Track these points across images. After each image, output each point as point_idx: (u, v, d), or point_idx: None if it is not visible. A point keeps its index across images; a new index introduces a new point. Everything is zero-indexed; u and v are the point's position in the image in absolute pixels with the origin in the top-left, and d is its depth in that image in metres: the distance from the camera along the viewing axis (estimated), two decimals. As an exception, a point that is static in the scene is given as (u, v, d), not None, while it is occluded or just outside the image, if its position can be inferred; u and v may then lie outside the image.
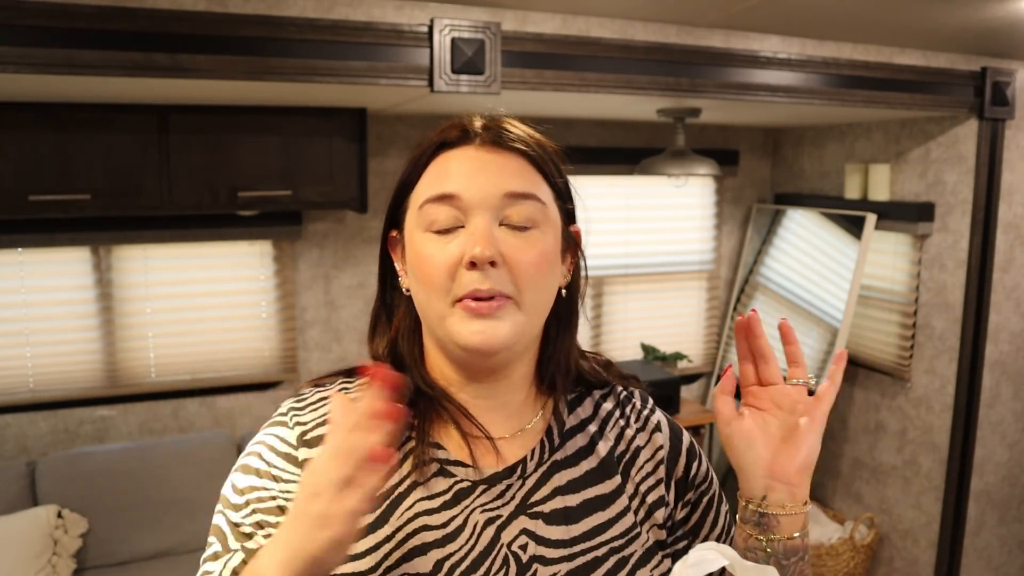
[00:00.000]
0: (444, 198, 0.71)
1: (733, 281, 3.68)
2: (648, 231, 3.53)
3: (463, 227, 0.71)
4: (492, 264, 0.69)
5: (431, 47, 1.88)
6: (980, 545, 2.92)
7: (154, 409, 2.89)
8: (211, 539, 0.74)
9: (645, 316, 3.58)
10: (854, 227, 3.02)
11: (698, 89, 2.19)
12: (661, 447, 0.83)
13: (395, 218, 0.79)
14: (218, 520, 0.74)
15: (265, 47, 1.76)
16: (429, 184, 0.73)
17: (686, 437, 0.87)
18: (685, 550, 0.82)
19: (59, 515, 2.48)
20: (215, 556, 0.72)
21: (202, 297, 2.90)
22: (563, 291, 0.78)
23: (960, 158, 2.73)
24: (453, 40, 1.88)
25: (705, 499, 0.85)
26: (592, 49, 2.06)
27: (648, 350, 3.46)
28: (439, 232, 0.71)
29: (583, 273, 0.81)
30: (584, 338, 3.09)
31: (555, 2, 1.96)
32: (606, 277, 3.47)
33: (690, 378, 3.69)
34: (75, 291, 2.75)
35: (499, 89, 1.94)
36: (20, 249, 2.64)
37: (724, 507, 0.87)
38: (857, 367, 3.22)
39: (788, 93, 2.30)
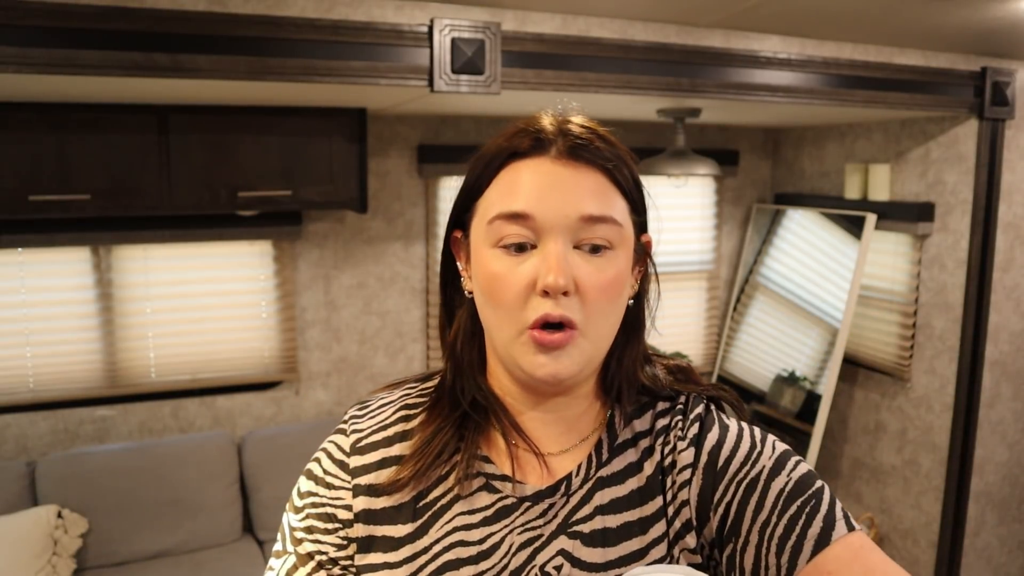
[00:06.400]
0: (516, 217, 0.67)
1: (733, 281, 3.68)
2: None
3: (535, 246, 0.68)
4: (565, 293, 0.67)
5: (431, 47, 1.88)
6: (980, 545, 2.92)
7: (154, 409, 2.89)
8: (278, 535, 0.78)
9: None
10: (854, 227, 3.02)
11: (698, 89, 2.19)
12: (690, 465, 0.72)
13: (460, 219, 0.75)
14: (283, 520, 0.78)
15: (265, 47, 1.76)
16: (500, 197, 0.69)
17: (714, 432, 0.73)
18: (725, 557, 0.69)
19: (59, 515, 2.48)
20: (277, 554, 0.77)
21: (202, 297, 2.89)
22: (630, 301, 0.75)
23: (960, 158, 2.73)
24: (453, 40, 1.88)
25: (745, 483, 0.69)
26: (592, 49, 2.06)
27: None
28: (508, 248, 0.68)
29: (652, 283, 0.78)
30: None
31: (555, 2, 1.96)
32: (606, 277, 3.47)
33: (690, 378, 3.69)
34: (75, 291, 2.75)
35: (499, 89, 1.94)
36: (20, 249, 2.64)
37: (777, 482, 0.68)
38: (857, 367, 3.22)
39: (788, 93, 2.30)
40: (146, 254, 2.80)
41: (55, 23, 1.60)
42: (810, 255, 3.24)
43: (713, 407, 0.77)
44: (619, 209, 0.70)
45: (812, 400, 3.04)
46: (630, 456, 0.74)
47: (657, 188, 3.49)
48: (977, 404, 2.78)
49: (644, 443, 0.75)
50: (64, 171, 2.30)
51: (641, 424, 0.76)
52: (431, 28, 1.87)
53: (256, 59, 1.76)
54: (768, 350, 3.35)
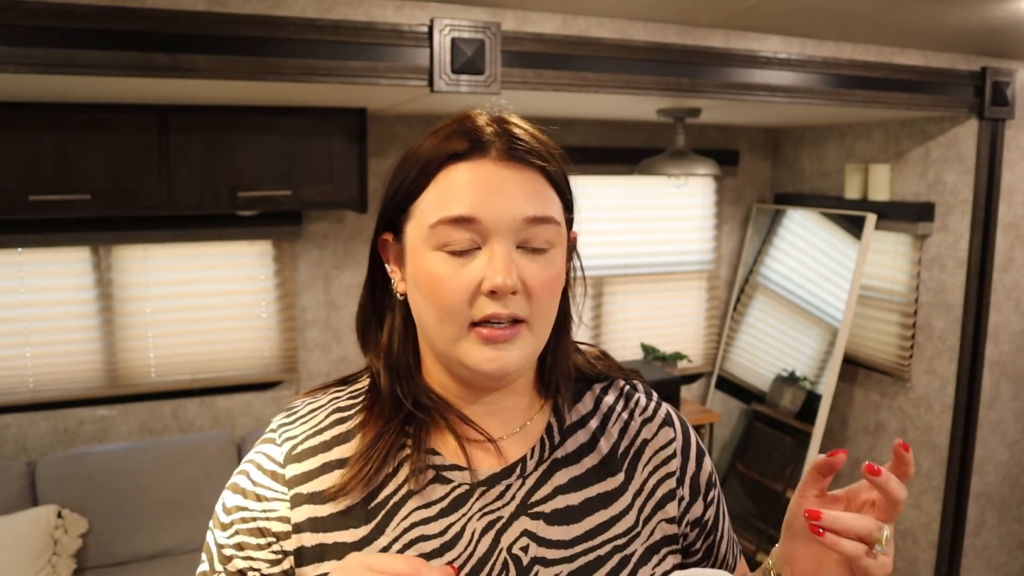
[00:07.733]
0: (462, 221, 0.67)
1: (733, 281, 3.68)
2: (648, 231, 3.53)
3: (479, 248, 0.68)
4: (513, 293, 0.68)
5: (431, 47, 1.88)
6: (980, 545, 2.92)
7: (154, 409, 2.89)
8: (203, 555, 0.75)
9: (645, 316, 3.58)
10: (854, 227, 3.02)
11: (698, 89, 2.19)
12: (673, 440, 0.82)
13: (390, 221, 0.74)
14: (208, 538, 0.75)
15: (265, 47, 1.76)
16: (441, 201, 0.68)
17: (694, 434, 0.87)
18: (704, 546, 0.84)
19: (59, 515, 2.48)
20: (204, 575, 0.74)
21: (202, 297, 2.89)
22: None
23: (960, 158, 2.73)
24: (453, 40, 1.88)
25: (717, 496, 0.86)
26: (592, 49, 2.06)
27: (648, 350, 3.46)
28: (453, 253, 0.68)
29: (577, 275, 0.80)
30: (584, 339, 3.08)
31: (555, 2, 1.96)
32: (606, 277, 3.47)
33: (690, 378, 3.69)
34: (75, 291, 2.75)
35: (499, 89, 1.94)
36: (20, 249, 2.64)
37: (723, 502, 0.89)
38: (857, 367, 3.22)
39: (788, 93, 2.30)
40: (146, 254, 2.80)
41: (55, 23, 1.60)
42: (810, 255, 3.24)
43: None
44: (556, 208, 0.72)
45: (812, 400, 3.04)
46: (581, 437, 0.79)
47: (657, 188, 3.49)
48: (977, 404, 2.78)
49: (593, 423, 0.80)
50: (64, 171, 2.30)
51: (584, 407, 0.81)
52: (431, 28, 1.87)
53: (256, 59, 1.76)
54: (768, 350, 3.35)
